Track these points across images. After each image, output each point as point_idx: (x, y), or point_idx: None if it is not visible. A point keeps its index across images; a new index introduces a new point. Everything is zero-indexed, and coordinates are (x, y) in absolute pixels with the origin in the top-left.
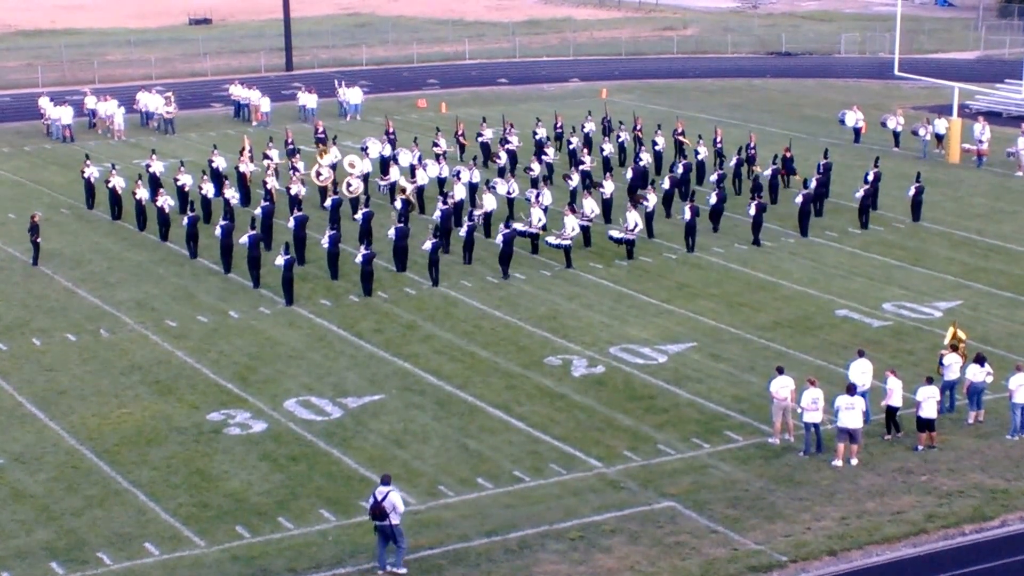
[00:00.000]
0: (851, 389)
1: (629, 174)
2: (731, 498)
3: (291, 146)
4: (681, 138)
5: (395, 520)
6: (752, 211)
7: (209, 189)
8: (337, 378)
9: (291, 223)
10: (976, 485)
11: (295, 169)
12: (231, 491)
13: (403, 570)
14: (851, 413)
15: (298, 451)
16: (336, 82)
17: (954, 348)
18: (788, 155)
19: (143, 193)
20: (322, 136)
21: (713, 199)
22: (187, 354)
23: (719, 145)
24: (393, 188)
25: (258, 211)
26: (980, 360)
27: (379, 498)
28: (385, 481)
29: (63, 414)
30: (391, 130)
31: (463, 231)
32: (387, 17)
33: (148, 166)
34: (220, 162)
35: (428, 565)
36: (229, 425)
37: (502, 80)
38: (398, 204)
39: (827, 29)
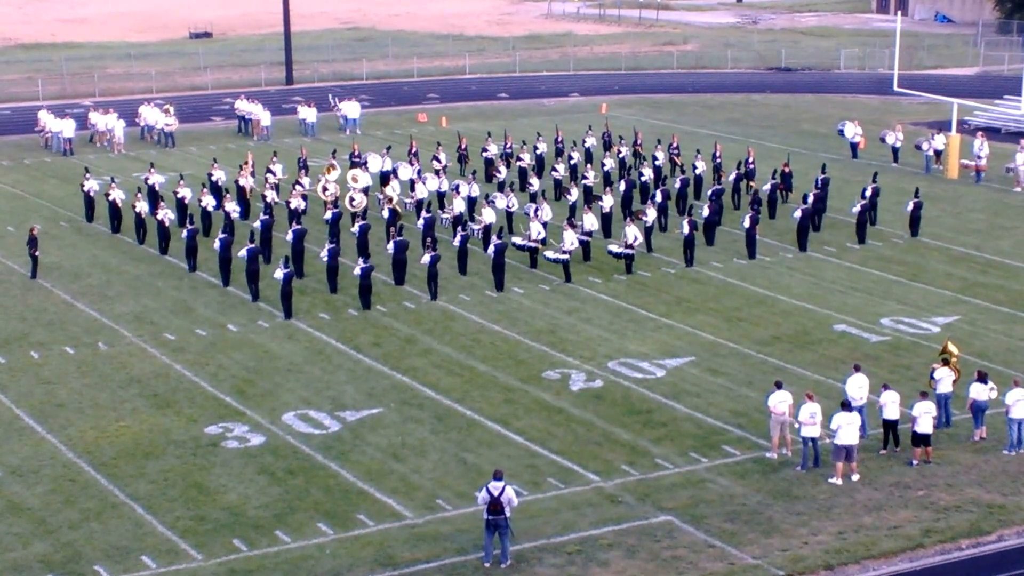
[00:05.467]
0: (847, 406)
1: (623, 186)
2: (728, 512)
3: (303, 160)
4: (674, 156)
5: (507, 513)
6: (746, 223)
7: (209, 202)
8: (335, 392)
9: (289, 236)
10: (973, 500)
11: (299, 183)
12: (228, 504)
13: (508, 562)
14: (851, 429)
15: (296, 465)
16: (330, 97)
17: (945, 362)
18: (787, 170)
19: (142, 206)
20: (358, 160)
21: (705, 211)
22: (185, 367)
23: (718, 160)
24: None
25: (257, 224)
26: (983, 378)
27: (495, 493)
28: (498, 476)
29: (61, 427)
30: (414, 149)
31: (456, 241)
32: (387, 31)
33: (147, 179)
34: (220, 175)
35: None
36: (227, 438)
37: (502, 95)
38: (385, 213)
39: (827, 45)
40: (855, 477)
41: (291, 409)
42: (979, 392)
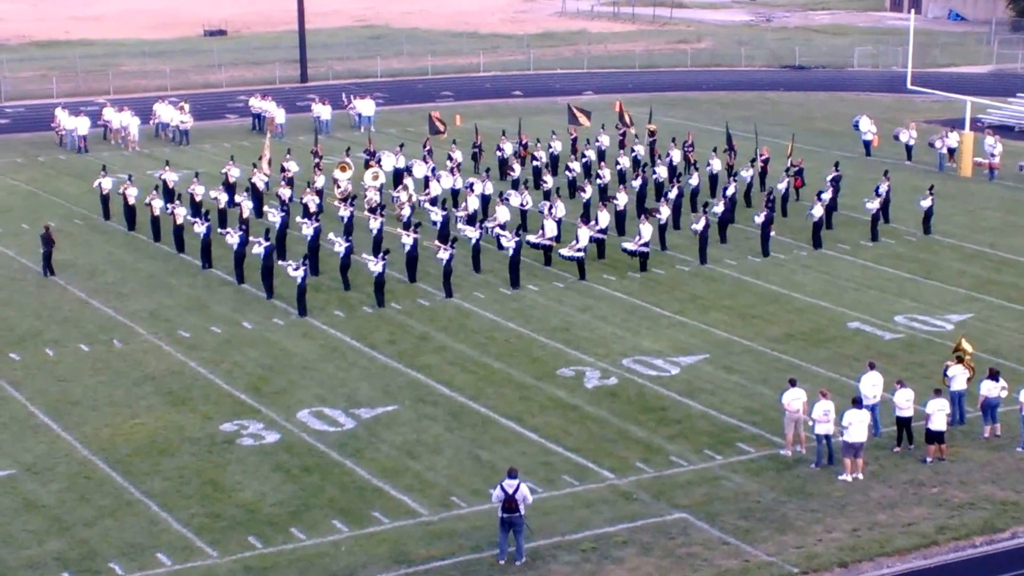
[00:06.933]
0: (858, 403)
1: (638, 181)
2: (743, 510)
3: (317, 159)
4: (688, 153)
5: (522, 511)
6: (759, 218)
7: (222, 199)
8: (350, 389)
9: (305, 233)
10: (987, 497)
11: (313, 181)
12: (244, 502)
13: (523, 559)
14: (861, 427)
15: (311, 462)
16: (343, 96)
17: (959, 360)
18: (799, 164)
19: (157, 203)
20: (371, 156)
21: (719, 208)
22: (200, 364)
23: (732, 158)
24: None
25: (272, 221)
26: (994, 375)
27: (510, 491)
28: (512, 475)
29: (76, 424)
30: (428, 147)
31: (470, 236)
32: (402, 29)
33: (162, 176)
34: (235, 173)
35: None
36: (242, 436)
37: (516, 92)
38: (406, 211)
39: (840, 43)
40: (859, 476)
41: (306, 406)
42: (990, 389)
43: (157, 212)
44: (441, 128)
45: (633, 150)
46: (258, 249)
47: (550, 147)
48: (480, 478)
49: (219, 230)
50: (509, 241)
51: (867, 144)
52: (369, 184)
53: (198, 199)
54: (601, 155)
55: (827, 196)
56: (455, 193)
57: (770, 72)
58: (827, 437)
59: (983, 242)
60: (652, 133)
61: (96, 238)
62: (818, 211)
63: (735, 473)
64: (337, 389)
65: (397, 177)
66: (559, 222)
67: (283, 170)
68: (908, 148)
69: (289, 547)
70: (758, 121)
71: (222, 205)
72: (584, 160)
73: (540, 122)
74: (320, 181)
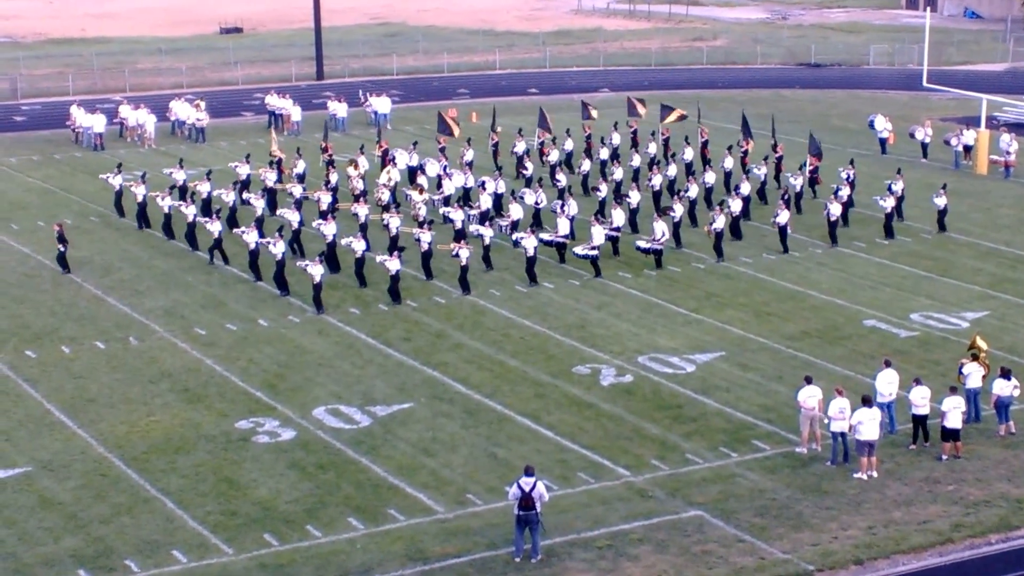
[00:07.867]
0: (868, 401)
1: (658, 179)
2: (758, 507)
3: (328, 156)
4: (704, 149)
5: (539, 508)
6: (781, 219)
7: (232, 198)
8: (366, 386)
9: (323, 232)
10: (1003, 495)
11: (327, 180)
12: (259, 499)
13: (539, 556)
14: (872, 425)
15: (326, 459)
16: (360, 93)
17: (975, 357)
18: (815, 166)
19: (168, 202)
20: (385, 153)
21: (737, 205)
22: (216, 362)
23: (744, 155)
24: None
25: (288, 219)
26: (1006, 374)
27: (527, 489)
28: (529, 472)
29: (92, 422)
30: (443, 144)
31: (479, 232)
32: (418, 26)
33: (173, 175)
34: (242, 171)
35: (455, 574)
36: (258, 433)
37: (532, 90)
38: (423, 210)
39: (856, 40)
40: (874, 474)
41: (322, 404)
42: (1002, 388)
43: (167, 210)
44: (454, 133)
45: (647, 148)
46: (276, 249)
47: (564, 145)
48: (496, 476)
49: (234, 230)
50: (529, 239)
51: (883, 142)
52: (382, 182)
53: (203, 197)
54: (614, 153)
55: (844, 193)
56: (467, 191)
57: (786, 70)
58: (842, 435)
59: (999, 240)
60: (682, 117)
61: (111, 235)
62: (836, 209)
63: (750, 471)
64: (353, 386)
65: (411, 175)
66: (572, 220)
67: (293, 167)
68: (924, 146)
69: (305, 544)
70: (774, 119)
71: (229, 203)
72: (599, 157)
73: (554, 119)
74: (334, 178)
